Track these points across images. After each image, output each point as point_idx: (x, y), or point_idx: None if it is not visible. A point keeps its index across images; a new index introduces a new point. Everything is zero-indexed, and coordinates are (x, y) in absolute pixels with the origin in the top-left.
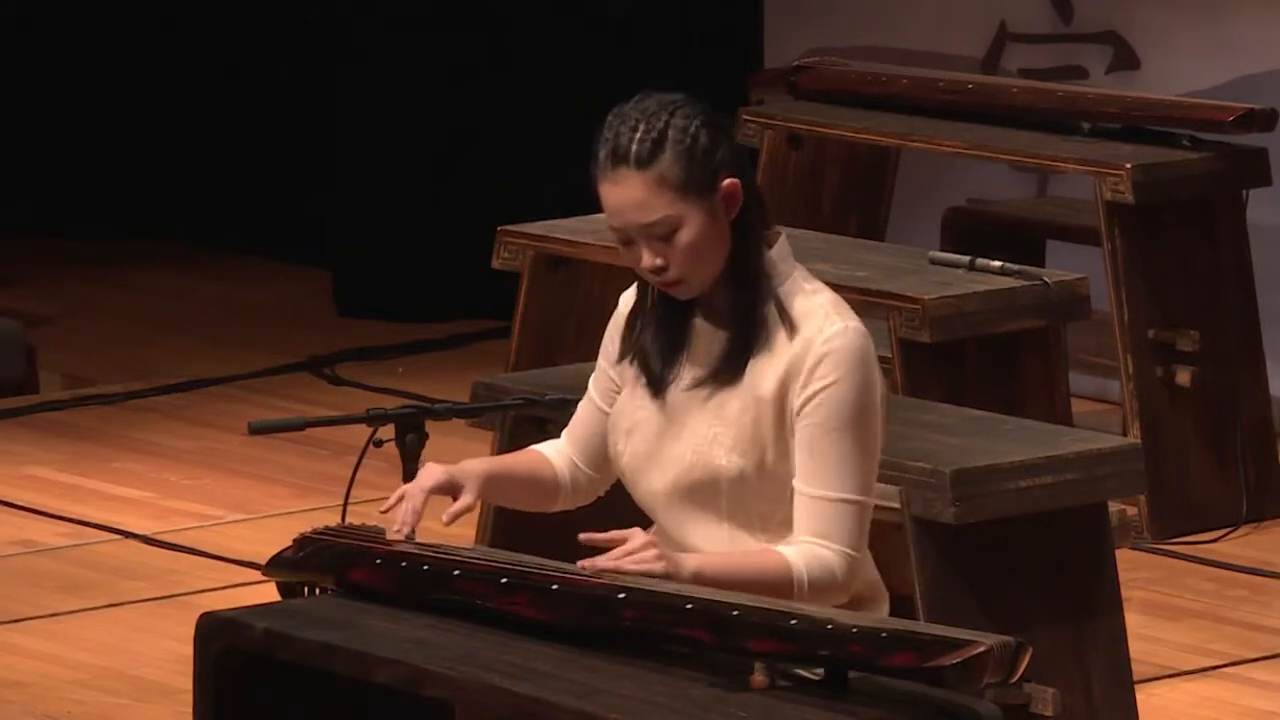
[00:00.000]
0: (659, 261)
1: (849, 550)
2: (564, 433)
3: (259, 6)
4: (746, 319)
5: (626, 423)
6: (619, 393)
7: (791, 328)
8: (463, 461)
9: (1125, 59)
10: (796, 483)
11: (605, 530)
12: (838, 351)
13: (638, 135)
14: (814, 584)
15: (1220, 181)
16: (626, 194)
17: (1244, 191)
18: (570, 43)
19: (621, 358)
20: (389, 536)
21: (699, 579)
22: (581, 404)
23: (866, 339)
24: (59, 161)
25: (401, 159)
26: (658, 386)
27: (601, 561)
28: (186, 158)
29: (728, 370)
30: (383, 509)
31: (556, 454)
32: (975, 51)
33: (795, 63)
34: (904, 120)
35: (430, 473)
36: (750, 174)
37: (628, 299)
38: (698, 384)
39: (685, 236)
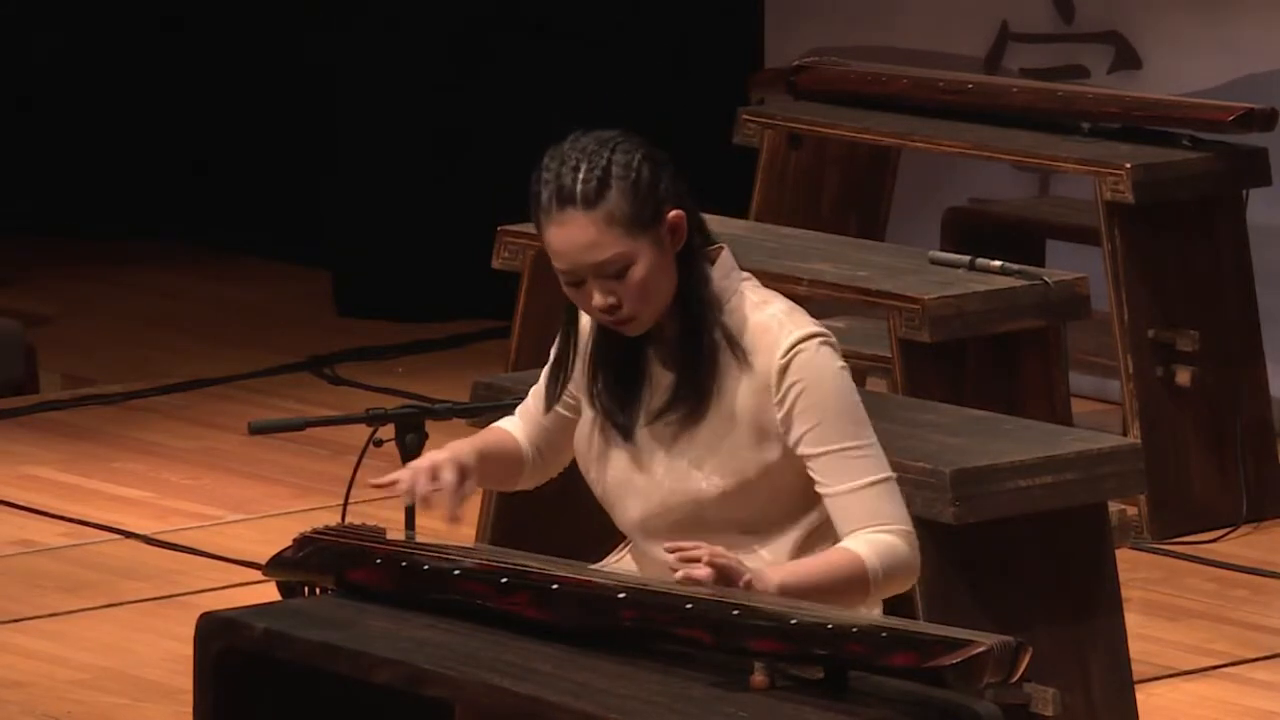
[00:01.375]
0: (611, 300)
1: (904, 526)
2: (518, 413)
3: (259, 6)
4: (696, 351)
5: (595, 450)
6: (574, 400)
7: (747, 345)
8: (450, 446)
9: (1127, 59)
10: (826, 489)
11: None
12: (800, 357)
13: (580, 175)
14: (888, 570)
15: (1220, 181)
16: (575, 235)
17: (1244, 191)
18: (572, 42)
19: (551, 404)
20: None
21: (784, 591)
22: (534, 392)
23: (827, 337)
24: (60, 161)
25: (401, 159)
26: (626, 432)
27: (695, 572)
28: (187, 158)
29: (688, 403)
30: (379, 482)
31: (517, 431)
32: (977, 51)
33: (795, 63)
34: (904, 120)
35: (449, 465)
36: (690, 200)
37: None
38: (661, 419)
39: (638, 272)
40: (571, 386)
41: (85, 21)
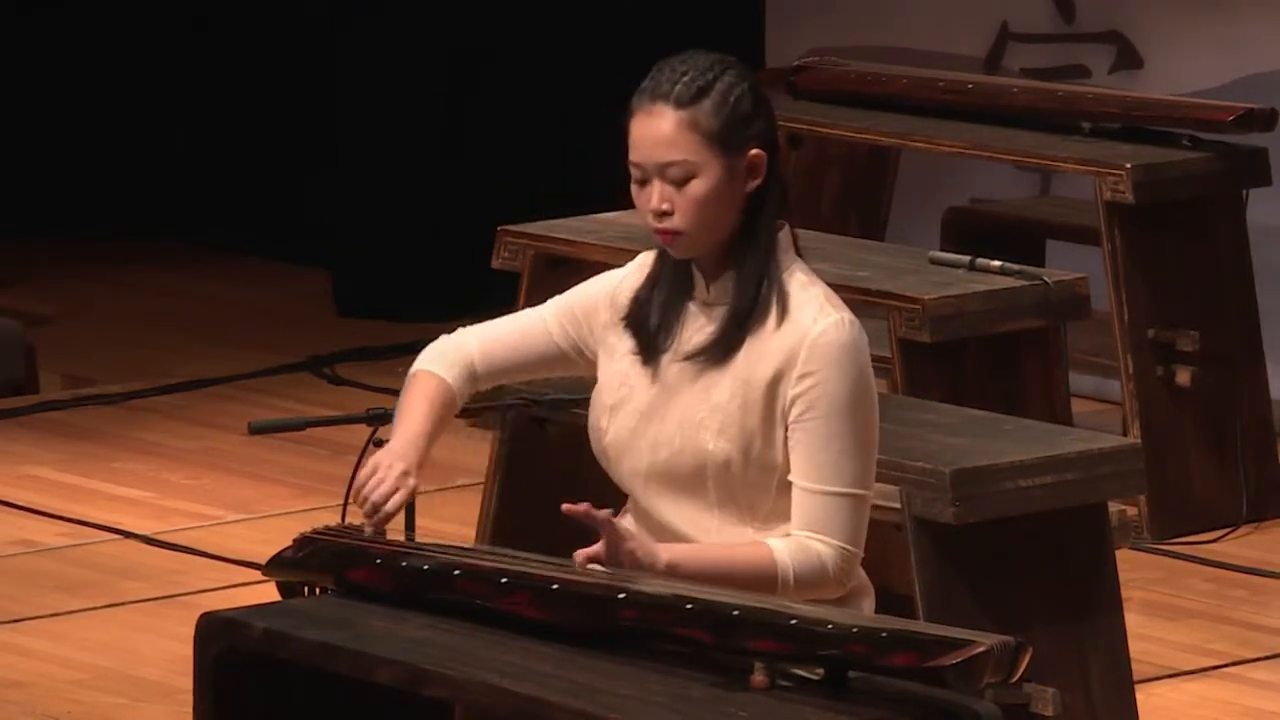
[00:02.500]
0: (665, 206)
1: (844, 545)
2: (479, 333)
3: (259, 6)
4: (746, 295)
5: (611, 399)
6: (582, 343)
7: (786, 314)
8: (398, 449)
9: (1128, 59)
10: (793, 477)
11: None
12: (830, 345)
13: (684, 79)
14: (800, 578)
15: (1220, 181)
16: (656, 127)
17: (1244, 191)
18: (571, 42)
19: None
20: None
21: (673, 568)
22: (526, 318)
23: (860, 332)
24: (58, 161)
25: (401, 159)
26: (649, 353)
27: (590, 549)
28: (186, 157)
29: (721, 346)
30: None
31: (452, 367)
32: (977, 51)
33: (795, 63)
34: (904, 120)
35: (406, 487)
36: (778, 159)
37: (640, 266)
38: (689, 358)
39: (698, 187)
40: (585, 323)
41: (86, 21)
